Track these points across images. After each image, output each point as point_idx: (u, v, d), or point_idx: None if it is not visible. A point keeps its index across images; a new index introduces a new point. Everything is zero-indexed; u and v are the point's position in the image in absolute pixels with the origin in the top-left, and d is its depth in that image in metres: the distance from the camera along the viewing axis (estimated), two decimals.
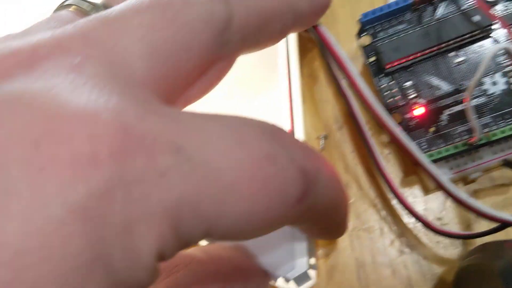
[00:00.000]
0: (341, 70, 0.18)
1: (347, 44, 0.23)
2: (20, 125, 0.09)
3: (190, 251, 0.17)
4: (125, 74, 0.11)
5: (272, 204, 0.12)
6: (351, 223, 0.21)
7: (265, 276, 0.18)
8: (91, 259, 0.09)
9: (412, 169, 0.21)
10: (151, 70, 0.12)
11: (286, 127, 0.21)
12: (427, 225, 0.19)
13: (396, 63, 0.20)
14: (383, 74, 0.20)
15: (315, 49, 0.24)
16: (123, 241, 0.10)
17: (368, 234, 0.21)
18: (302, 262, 0.19)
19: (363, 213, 0.21)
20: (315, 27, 0.19)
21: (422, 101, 0.20)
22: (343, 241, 0.21)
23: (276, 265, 0.19)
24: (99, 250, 0.10)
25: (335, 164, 0.22)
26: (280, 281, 0.19)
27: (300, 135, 0.21)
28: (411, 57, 0.19)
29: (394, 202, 0.21)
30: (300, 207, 0.13)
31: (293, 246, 0.19)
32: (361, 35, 0.21)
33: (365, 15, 0.20)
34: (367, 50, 0.21)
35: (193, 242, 0.11)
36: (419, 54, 0.19)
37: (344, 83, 0.22)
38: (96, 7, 0.14)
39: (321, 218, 0.14)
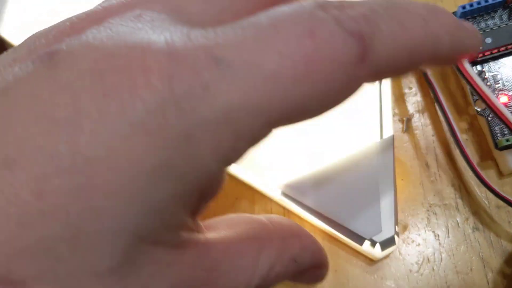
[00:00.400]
0: None
1: None
2: (89, 63, 0.12)
3: (253, 216, 0.19)
4: (180, 16, 0.13)
5: (327, 76, 0.12)
6: (430, 199, 0.23)
7: (317, 243, 0.19)
8: (156, 165, 0.11)
9: (488, 155, 0.23)
10: (205, 10, 0.14)
11: (376, 107, 0.23)
12: (505, 199, 0.21)
13: (487, 53, 0.21)
14: (472, 63, 0.22)
15: None
16: (184, 149, 0.12)
17: (444, 211, 0.22)
18: (389, 226, 0.21)
19: (441, 191, 0.23)
20: None
21: (506, 90, 0.22)
22: (421, 215, 0.22)
23: (363, 225, 0.21)
24: (162, 157, 0.11)
25: (417, 145, 0.24)
26: (366, 245, 0.21)
27: (388, 114, 0.23)
28: (502, 48, 0.21)
29: (471, 183, 0.23)
30: (367, 66, 0.13)
31: (380, 208, 0.21)
32: None
33: (463, 7, 0.22)
34: None
35: (257, 136, 0.13)
36: (509, 47, 0.21)
37: (429, 72, 0.24)
38: None
39: (409, 60, 0.14)
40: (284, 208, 0.23)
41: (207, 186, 0.13)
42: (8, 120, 0.12)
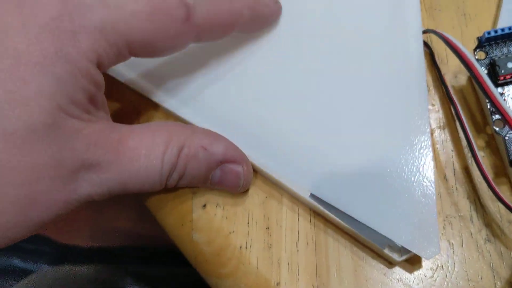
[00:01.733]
0: (469, 69, 0.22)
1: (454, 59, 0.27)
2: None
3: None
4: None
5: (165, 23, 0.20)
6: (447, 210, 0.24)
7: (232, 143, 0.24)
8: (57, 50, 0.18)
9: (502, 172, 0.25)
10: None
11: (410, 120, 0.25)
12: None
13: (508, 77, 0.23)
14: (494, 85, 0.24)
15: (426, 60, 0.28)
16: (73, 42, 0.18)
17: (459, 222, 0.24)
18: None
19: (457, 203, 0.24)
20: (444, 36, 0.23)
21: None
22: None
23: (391, 231, 0.22)
24: (58, 45, 0.18)
25: (437, 158, 0.25)
26: (387, 249, 0.23)
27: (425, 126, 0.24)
28: None
29: (485, 197, 0.24)
30: (191, 25, 0.21)
31: (408, 217, 0.23)
32: (478, 50, 0.24)
33: (488, 32, 0.23)
34: (481, 63, 0.24)
35: (122, 53, 0.20)
36: None
37: (451, 90, 0.26)
38: None
39: (220, 26, 0.23)
40: (310, 209, 0.24)
41: (92, 75, 0.19)
42: None
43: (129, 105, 0.28)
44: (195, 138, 0.22)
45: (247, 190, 0.25)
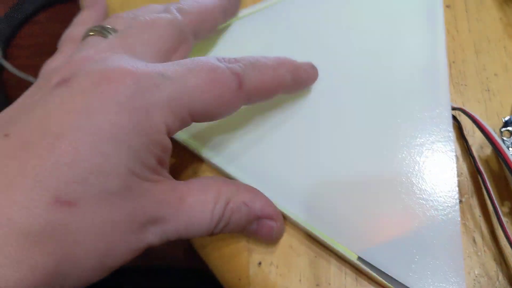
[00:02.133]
0: (495, 148, 0.25)
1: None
2: (90, 80, 0.21)
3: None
4: (134, 55, 0.24)
5: (221, 93, 0.24)
6: (476, 271, 0.27)
7: (269, 200, 0.27)
8: (134, 125, 0.21)
9: None
10: (147, 52, 0.25)
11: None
12: None
13: None
14: None
15: (454, 132, 0.31)
16: (146, 117, 0.21)
17: (487, 280, 0.27)
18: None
19: (485, 264, 0.27)
20: (472, 116, 0.26)
21: None
22: (468, 283, 0.27)
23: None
24: (135, 121, 0.21)
25: (467, 223, 0.28)
26: None
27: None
28: None
29: (510, 259, 0.27)
30: (243, 92, 0.25)
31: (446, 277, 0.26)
32: (504, 129, 0.28)
33: None
34: (507, 142, 0.27)
35: (185, 121, 0.24)
36: None
37: (478, 160, 0.29)
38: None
39: (266, 90, 0.27)
40: (356, 269, 0.27)
41: (162, 143, 0.22)
42: (50, 112, 0.20)
43: (183, 160, 0.32)
44: (239, 194, 0.26)
45: (278, 240, 0.29)
